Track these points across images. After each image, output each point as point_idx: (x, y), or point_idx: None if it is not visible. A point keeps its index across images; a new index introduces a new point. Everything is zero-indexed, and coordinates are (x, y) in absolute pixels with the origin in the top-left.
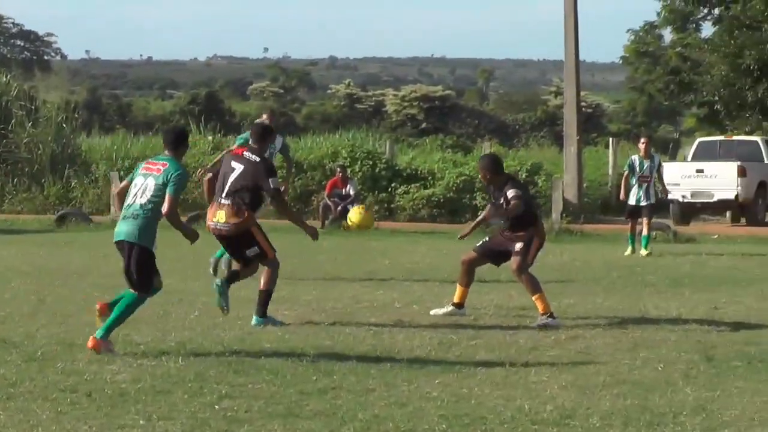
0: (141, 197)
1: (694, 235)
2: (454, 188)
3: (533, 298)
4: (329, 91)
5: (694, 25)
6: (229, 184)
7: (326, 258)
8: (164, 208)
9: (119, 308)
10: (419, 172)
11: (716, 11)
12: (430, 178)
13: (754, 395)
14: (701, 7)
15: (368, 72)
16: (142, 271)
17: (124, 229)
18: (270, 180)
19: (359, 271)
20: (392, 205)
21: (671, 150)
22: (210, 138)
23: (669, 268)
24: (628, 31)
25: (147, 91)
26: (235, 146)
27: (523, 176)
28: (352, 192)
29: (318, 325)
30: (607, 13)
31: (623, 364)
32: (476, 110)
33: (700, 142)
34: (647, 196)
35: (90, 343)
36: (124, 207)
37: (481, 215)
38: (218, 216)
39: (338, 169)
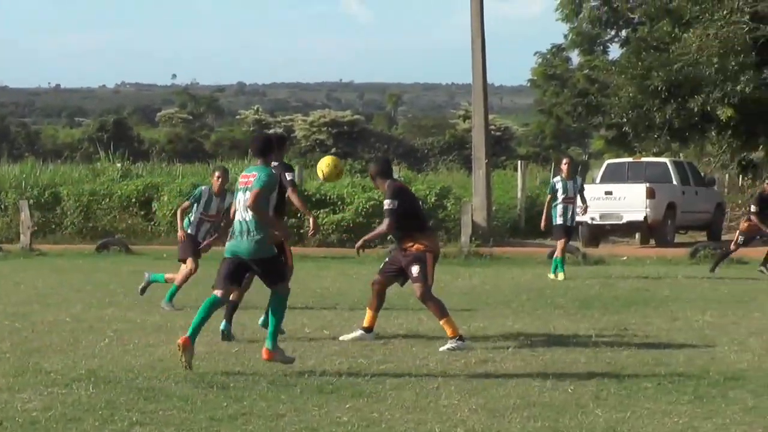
0: (245, 212)
1: (604, 257)
2: (363, 213)
3: (441, 322)
4: (238, 117)
5: (601, 48)
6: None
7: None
8: (249, 201)
9: (273, 312)
10: (329, 197)
11: (623, 33)
12: (339, 203)
13: (664, 416)
14: (608, 30)
15: (277, 98)
16: (275, 272)
17: (241, 247)
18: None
19: (267, 297)
20: (302, 231)
21: (580, 172)
22: (119, 165)
23: (578, 290)
24: (535, 53)
25: (56, 119)
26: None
27: (432, 200)
28: None
29: (228, 352)
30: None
31: (533, 386)
32: (385, 135)
33: (608, 164)
34: (573, 218)
35: (264, 356)
36: (234, 224)
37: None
38: None
39: None
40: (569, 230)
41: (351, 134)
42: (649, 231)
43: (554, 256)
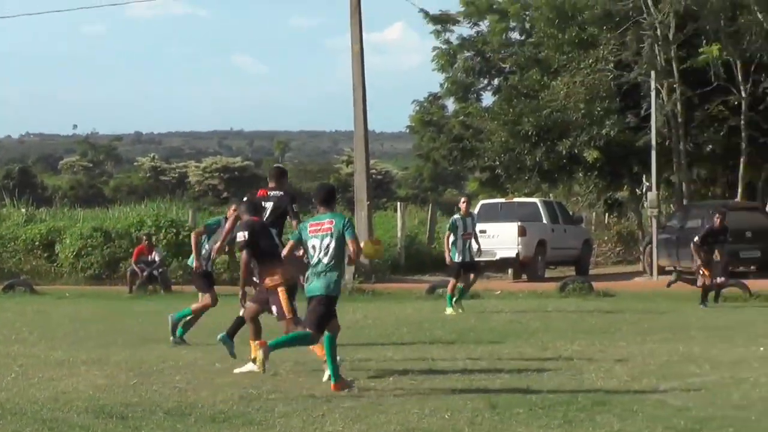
0: (324, 256)
1: (479, 291)
2: None
3: (317, 351)
4: (135, 164)
5: (475, 95)
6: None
7: (134, 321)
8: (351, 252)
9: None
10: None
11: (495, 82)
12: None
13: None
14: (481, 78)
15: (171, 145)
16: (322, 315)
17: (317, 285)
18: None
19: (164, 333)
20: None
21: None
22: (23, 210)
23: (455, 322)
24: (413, 102)
25: None
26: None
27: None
28: (157, 258)
29: (127, 384)
30: (394, 86)
31: (413, 413)
32: None
33: (482, 204)
34: (470, 253)
35: (333, 388)
36: (311, 266)
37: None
38: None
39: (144, 237)
40: (469, 266)
41: (241, 179)
42: (521, 267)
43: (466, 288)
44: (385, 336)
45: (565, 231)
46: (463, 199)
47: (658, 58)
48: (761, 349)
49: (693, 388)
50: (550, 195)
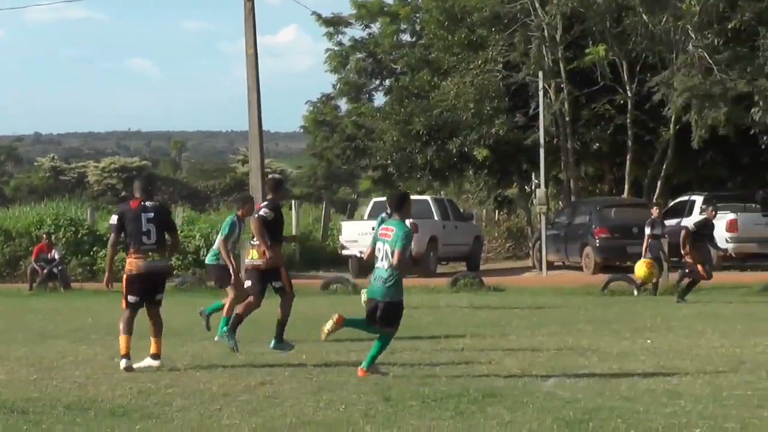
0: (384, 261)
1: None
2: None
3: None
4: (35, 165)
5: (367, 96)
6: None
7: (35, 317)
8: (394, 261)
9: (378, 344)
10: None
11: (387, 82)
12: None
13: (427, 431)
14: (373, 79)
15: (71, 146)
16: (391, 318)
17: (375, 290)
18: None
19: (64, 329)
20: (94, 268)
21: (349, 210)
22: None
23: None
24: (306, 102)
25: None
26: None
27: (214, 238)
28: (57, 256)
29: (27, 379)
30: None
31: (308, 406)
32: (170, 178)
33: (375, 202)
34: None
35: (360, 373)
36: (375, 269)
37: None
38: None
39: (44, 236)
40: None
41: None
42: (414, 262)
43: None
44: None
45: (456, 227)
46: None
47: (546, 58)
48: (648, 341)
49: (582, 380)
50: (441, 192)
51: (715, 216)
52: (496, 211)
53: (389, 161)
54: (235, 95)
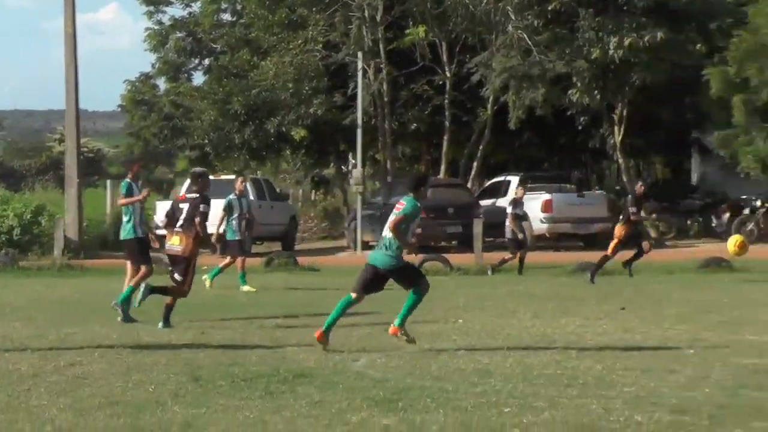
0: (387, 231)
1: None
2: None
3: None
4: None
5: (186, 75)
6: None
7: None
8: (390, 223)
9: (409, 304)
10: None
11: (207, 62)
12: None
13: (236, 411)
14: (192, 59)
15: None
16: (411, 277)
17: (378, 259)
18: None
19: None
20: None
21: (166, 189)
22: None
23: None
24: (125, 81)
25: None
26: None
27: (28, 217)
28: None
29: None
30: (107, 65)
31: (117, 386)
32: None
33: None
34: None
35: (390, 330)
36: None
37: None
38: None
39: None
40: (243, 244)
41: None
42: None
43: (239, 271)
44: (93, 311)
45: (272, 207)
46: (241, 179)
47: (366, 38)
48: (459, 321)
49: (393, 360)
50: (258, 172)
51: (523, 195)
52: (313, 191)
53: (207, 141)
54: (54, 74)
